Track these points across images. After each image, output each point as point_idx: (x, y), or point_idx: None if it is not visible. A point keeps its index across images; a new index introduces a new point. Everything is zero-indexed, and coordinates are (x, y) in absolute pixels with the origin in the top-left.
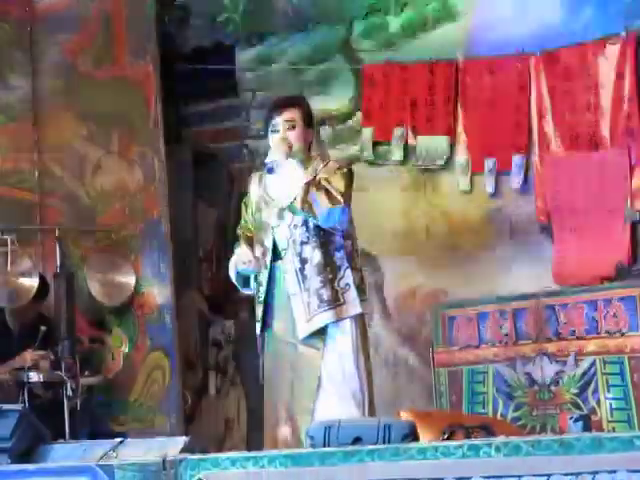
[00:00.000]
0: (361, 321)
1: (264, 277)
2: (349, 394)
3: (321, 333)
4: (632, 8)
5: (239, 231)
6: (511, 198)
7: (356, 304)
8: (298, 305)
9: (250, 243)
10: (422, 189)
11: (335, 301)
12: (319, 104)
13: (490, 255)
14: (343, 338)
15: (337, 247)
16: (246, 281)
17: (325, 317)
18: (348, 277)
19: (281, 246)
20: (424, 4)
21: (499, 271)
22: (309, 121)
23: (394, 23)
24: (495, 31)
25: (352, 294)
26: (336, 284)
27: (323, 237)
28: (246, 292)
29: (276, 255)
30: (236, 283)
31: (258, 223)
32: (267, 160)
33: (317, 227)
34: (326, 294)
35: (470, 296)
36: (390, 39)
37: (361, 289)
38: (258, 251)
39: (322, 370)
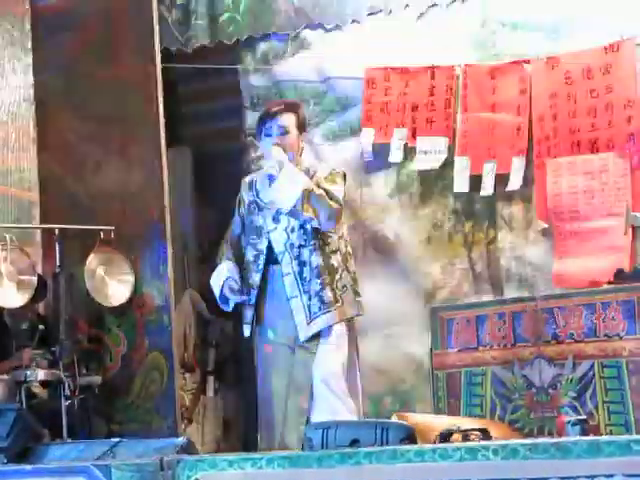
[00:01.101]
0: (353, 322)
1: (255, 281)
2: (343, 395)
3: (316, 335)
4: (631, 13)
5: (227, 238)
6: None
7: (353, 306)
8: (298, 308)
9: (237, 255)
10: None
11: (335, 303)
12: None
13: None
14: (338, 339)
15: (333, 250)
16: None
17: (326, 319)
18: (345, 279)
19: (278, 250)
20: None
21: None
22: (302, 127)
23: None
24: None
25: (349, 296)
26: (335, 286)
27: (320, 240)
28: (225, 308)
29: (272, 259)
30: (217, 298)
31: (250, 227)
32: (265, 169)
33: (314, 230)
34: (326, 296)
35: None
36: None
37: (355, 290)
38: (250, 254)
39: (317, 371)
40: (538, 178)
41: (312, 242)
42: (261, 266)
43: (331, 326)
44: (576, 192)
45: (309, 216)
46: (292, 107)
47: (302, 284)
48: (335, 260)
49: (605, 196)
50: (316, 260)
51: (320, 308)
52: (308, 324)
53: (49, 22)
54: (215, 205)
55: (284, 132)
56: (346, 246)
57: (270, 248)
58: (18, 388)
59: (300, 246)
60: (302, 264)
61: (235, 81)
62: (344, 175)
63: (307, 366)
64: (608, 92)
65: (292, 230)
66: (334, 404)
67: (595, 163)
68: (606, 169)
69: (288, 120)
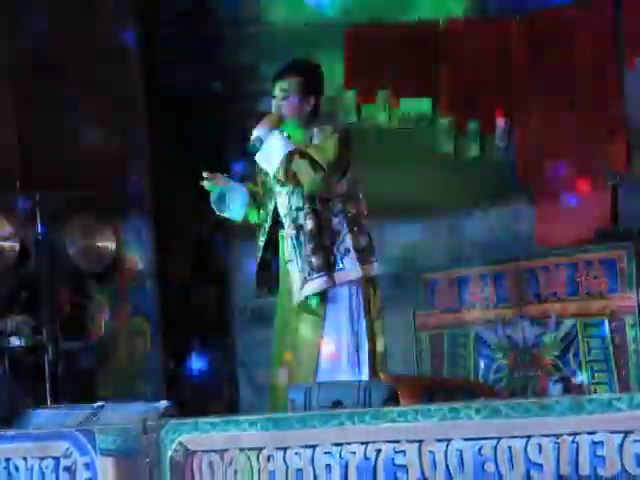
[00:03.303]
0: (368, 284)
1: (261, 242)
2: (346, 361)
3: (322, 300)
4: None
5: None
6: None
7: (356, 268)
8: (294, 272)
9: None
10: None
11: (330, 267)
12: None
13: None
14: (343, 303)
15: (335, 212)
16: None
17: (317, 284)
18: (348, 242)
19: (282, 213)
20: None
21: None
22: (309, 88)
23: None
24: None
25: (352, 259)
26: (335, 249)
27: (318, 204)
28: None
29: (280, 222)
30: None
31: (266, 187)
32: (251, 137)
33: (311, 194)
34: (317, 261)
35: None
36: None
37: (367, 251)
38: (261, 216)
39: (322, 337)
40: (519, 137)
41: (307, 206)
42: (267, 228)
43: (338, 290)
44: (557, 151)
45: (292, 183)
46: (296, 69)
47: (298, 248)
48: (337, 222)
49: (585, 155)
50: (310, 224)
51: (309, 273)
52: (301, 288)
53: None
54: (197, 171)
55: (284, 96)
56: (357, 207)
57: (276, 212)
58: (1, 354)
59: (297, 209)
60: (299, 228)
61: (218, 44)
62: (346, 134)
63: (312, 331)
64: (587, 49)
65: (292, 193)
66: (337, 371)
67: (576, 122)
68: (587, 128)
69: (289, 84)
